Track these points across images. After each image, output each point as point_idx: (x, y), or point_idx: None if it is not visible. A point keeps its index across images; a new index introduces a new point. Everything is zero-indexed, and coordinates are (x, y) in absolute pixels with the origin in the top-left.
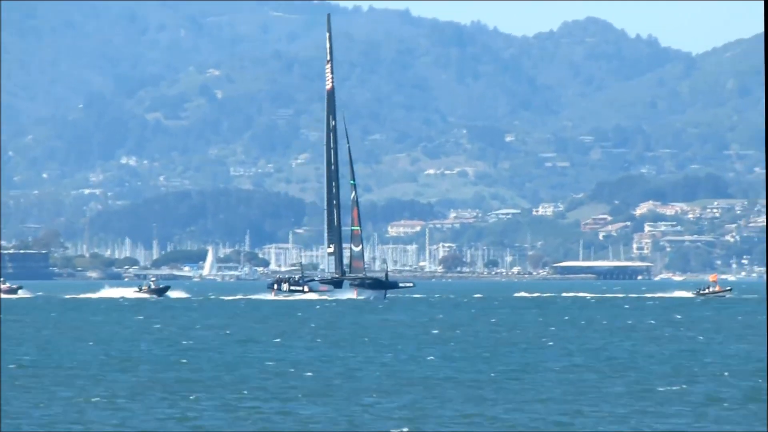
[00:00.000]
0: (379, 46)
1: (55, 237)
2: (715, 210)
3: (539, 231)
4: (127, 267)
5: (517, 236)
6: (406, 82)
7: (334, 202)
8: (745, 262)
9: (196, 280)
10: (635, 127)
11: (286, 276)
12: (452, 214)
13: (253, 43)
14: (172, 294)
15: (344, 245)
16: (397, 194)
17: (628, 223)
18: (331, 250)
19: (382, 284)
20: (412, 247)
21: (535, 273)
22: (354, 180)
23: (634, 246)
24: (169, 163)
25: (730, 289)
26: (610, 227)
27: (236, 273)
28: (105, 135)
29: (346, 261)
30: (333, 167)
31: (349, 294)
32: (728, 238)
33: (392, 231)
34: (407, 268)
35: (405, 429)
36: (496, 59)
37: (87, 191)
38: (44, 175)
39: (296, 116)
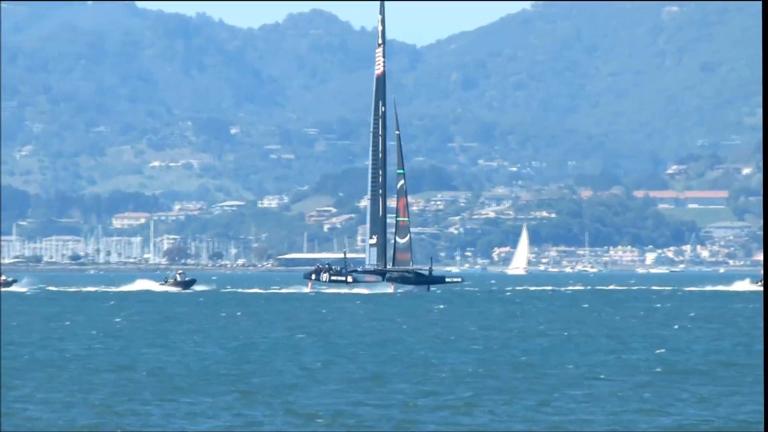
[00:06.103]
0: (104, 38)
1: None
2: (438, 202)
3: (264, 223)
4: None
5: (241, 228)
6: (131, 74)
7: (380, 191)
8: (468, 254)
9: None
10: (360, 119)
11: (326, 266)
12: (177, 207)
13: None
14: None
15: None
16: (122, 186)
17: (353, 216)
18: (374, 241)
19: (425, 279)
20: (136, 239)
21: (259, 265)
22: (402, 169)
23: (359, 239)
24: None
25: None
26: (334, 219)
27: None
28: None
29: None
30: (381, 155)
31: (385, 288)
32: (452, 230)
33: (117, 223)
34: (131, 260)
35: None
36: (221, 51)
37: None
38: None
39: (20, 108)
